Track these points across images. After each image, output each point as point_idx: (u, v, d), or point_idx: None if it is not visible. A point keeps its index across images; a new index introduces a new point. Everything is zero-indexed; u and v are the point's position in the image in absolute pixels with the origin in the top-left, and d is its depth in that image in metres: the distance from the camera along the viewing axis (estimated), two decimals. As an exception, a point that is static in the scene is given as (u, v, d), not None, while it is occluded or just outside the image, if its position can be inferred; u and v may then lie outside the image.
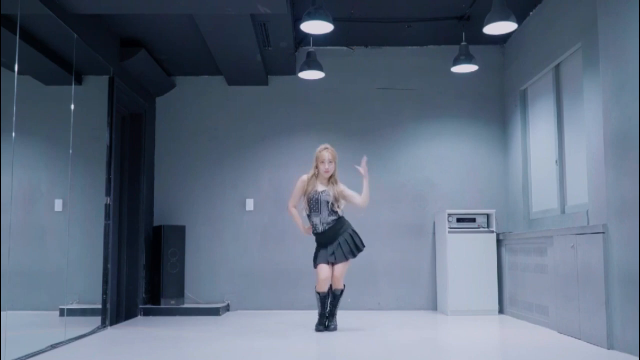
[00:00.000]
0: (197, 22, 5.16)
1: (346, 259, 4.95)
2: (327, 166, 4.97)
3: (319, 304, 4.99)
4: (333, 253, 4.93)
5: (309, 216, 5.01)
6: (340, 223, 4.97)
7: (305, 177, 5.04)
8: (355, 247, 4.97)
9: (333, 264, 4.95)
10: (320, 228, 4.94)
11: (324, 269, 4.91)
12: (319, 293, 4.96)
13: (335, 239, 4.94)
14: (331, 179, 5.02)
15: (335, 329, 5.01)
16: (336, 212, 4.96)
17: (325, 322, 5.02)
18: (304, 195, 5.00)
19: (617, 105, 3.99)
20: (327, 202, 4.91)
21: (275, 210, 6.69)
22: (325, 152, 5.01)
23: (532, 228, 5.83)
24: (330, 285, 4.99)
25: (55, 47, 4.79)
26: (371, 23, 6.13)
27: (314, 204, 4.93)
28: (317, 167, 5.02)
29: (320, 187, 4.97)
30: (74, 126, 4.67)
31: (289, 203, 5.13)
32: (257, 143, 6.82)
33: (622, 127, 3.91)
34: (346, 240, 4.94)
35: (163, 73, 6.56)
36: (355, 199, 5.04)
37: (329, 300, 5.01)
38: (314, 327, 5.00)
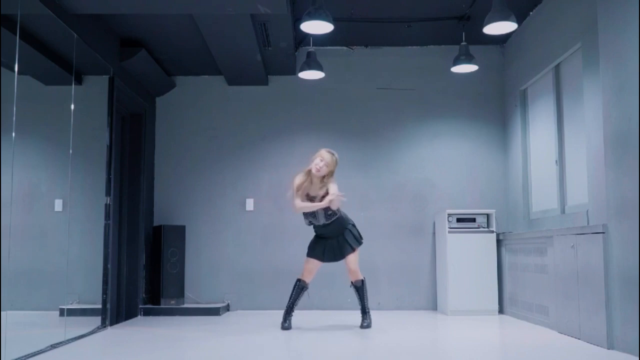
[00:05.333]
0: (197, 22, 5.16)
1: (352, 249, 5.02)
2: (319, 164, 4.86)
3: (294, 294, 5.02)
4: (333, 252, 5.04)
5: (305, 215, 5.01)
6: (340, 219, 5.01)
7: (298, 177, 4.98)
8: (355, 239, 5.05)
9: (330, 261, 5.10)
10: (321, 221, 4.97)
11: (314, 263, 5.06)
12: (301, 281, 5.04)
13: (339, 234, 5.01)
14: (323, 181, 4.91)
15: (369, 326, 5.08)
16: (333, 213, 4.95)
17: (289, 317, 5.07)
18: (302, 193, 4.95)
19: (617, 105, 3.99)
20: (323, 210, 4.91)
21: (275, 210, 6.69)
22: (325, 152, 4.93)
23: (532, 228, 5.83)
24: (351, 282, 5.11)
25: (55, 47, 4.78)
26: (371, 23, 6.13)
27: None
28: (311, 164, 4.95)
29: (313, 192, 4.93)
30: (74, 126, 4.67)
31: (294, 202, 4.92)
32: (257, 143, 6.82)
33: (622, 127, 3.91)
34: (345, 235, 5.02)
35: (163, 73, 6.56)
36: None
37: (357, 296, 5.10)
38: (279, 326, 5.04)
